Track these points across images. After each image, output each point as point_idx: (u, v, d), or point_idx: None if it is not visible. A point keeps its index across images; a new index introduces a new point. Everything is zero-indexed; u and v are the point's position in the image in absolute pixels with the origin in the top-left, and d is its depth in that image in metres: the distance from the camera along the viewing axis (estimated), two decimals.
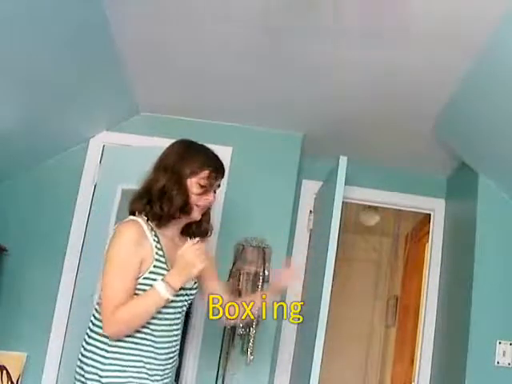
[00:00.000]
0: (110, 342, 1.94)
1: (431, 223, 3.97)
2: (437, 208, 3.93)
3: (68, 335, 3.29)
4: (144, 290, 1.93)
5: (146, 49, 2.87)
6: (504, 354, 3.10)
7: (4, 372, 3.15)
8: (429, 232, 4.01)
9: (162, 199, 1.98)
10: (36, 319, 3.31)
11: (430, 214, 4.02)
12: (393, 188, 3.92)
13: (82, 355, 1.99)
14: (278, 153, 3.59)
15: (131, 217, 2.02)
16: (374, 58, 2.68)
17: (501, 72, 2.48)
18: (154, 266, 1.95)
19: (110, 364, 1.93)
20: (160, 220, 2.01)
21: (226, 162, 3.33)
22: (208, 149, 2.14)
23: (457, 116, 3.02)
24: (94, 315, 2.03)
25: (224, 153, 3.42)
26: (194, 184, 2.01)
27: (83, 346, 2.01)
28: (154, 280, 1.93)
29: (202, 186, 2.02)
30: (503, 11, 2.16)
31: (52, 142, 3.43)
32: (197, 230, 2.14)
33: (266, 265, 3.40)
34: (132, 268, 1.91)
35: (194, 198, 2.02)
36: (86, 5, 2.43)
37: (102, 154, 3.54)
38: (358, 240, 5.80)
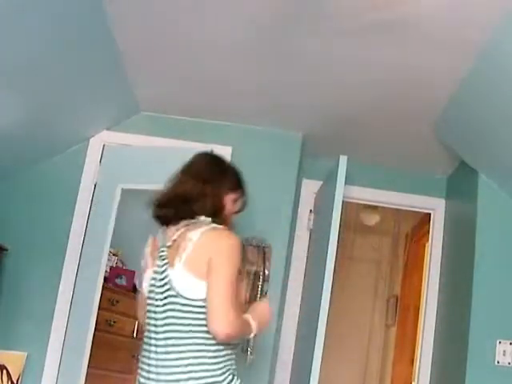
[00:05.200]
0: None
1: (431, 222, 3.97)
2: (437, 207, 3.93)
3: (68, 335, 3.29)
4: None
5: (147, 48, 2.87)
6: (504, 354, 3.10)
7: (4, 371, 3.15)
8: (429, 231, 4.01)
9: (195, 206, 2.11)
10: (36, 319, 3.31)
11: (429, 214, 4.01)
12: (393, 187, 3.91)
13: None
14: (278, 152, 3.58)
15: (214, 225, 2.08)
16: (374, 58, 2.68)
17: (501, 72, 2.48)
18: None
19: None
20: None
21: None
22: (237, 170, 2.31)
23: (457, 115, 3.02)
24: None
25: (224, 152, 3.46)
26: (229, 199, 2.20)
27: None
28: None
29: (234, 202, 2.22)
30: (503, 12, 2.16)
31: (52, 142, 3.43)
32: None
33: (266, 264, 3.40)
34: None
35: (226, 210, 2.19)
36: (87, 4, 2.44)
37: (102, 154, 3.54)
38: (358, 239, 5.79)
